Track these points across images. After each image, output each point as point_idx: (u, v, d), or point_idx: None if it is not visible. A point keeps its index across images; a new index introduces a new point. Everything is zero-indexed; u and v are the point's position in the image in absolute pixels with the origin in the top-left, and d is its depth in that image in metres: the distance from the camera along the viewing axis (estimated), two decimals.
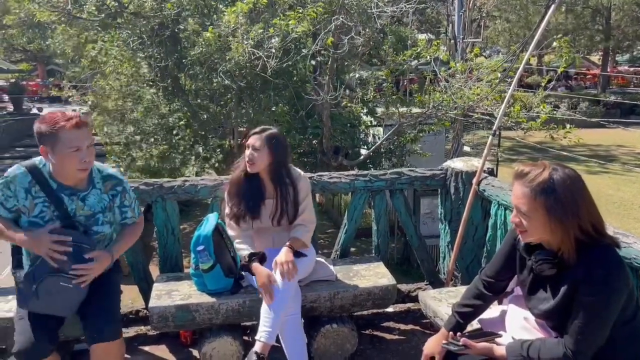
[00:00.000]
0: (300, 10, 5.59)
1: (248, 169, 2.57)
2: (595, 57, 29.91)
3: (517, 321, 1.88)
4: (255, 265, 2.50)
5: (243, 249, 2.58)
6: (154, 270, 3.11)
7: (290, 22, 5.48)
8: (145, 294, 3.02)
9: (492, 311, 2.07)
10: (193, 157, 6.76)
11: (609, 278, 1.57)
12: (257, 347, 2.32)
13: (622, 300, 1.60)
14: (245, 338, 2.80)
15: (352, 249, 3.53)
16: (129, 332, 2.96)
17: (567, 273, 1.65)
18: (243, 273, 2.74)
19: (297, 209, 2.64)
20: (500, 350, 1.77)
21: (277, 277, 2.46)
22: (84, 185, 2.14)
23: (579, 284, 1.60)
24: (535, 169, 1.65)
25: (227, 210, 2.65)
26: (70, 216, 2.10)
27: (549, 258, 1.67)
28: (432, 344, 1.99)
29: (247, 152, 2.56)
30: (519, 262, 1.86)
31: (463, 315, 1.97)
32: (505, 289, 1.99)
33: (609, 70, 26.12)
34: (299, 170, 2.73)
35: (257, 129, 2.62)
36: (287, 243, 2.57)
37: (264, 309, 2.41)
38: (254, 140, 2.56)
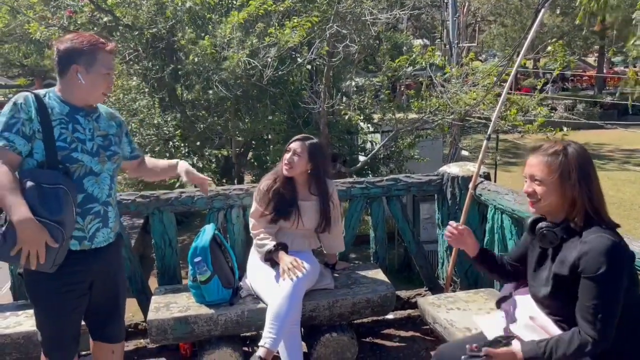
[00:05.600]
0: (295, 20, 5.61)
1: (285, 172, 2.67)
2: (591, 59, 29.99)
3: (522, 320, 1.85)
4: (282, 253, 2.61)
5: (266, 242, 2.65)
6: (153, 282, 3.10)
7: (286, 32, 5.50)
8: (144, 306, 3.01)
9: (492, 317, 2.05)
10: None
11: (611, 251, 1.57)
12: (261, 352, 2.31)
13: (626, 275, 1.58)
14: (245, 349, 2.79)
15: (351, 256, 3.52)
16: (129, 345, 2.95)
17: (570, 247, 1.66)
18: (241, 283, 2.74)
19: (327, 218, 2.78)
20: (521, 354, 1.72)
21: (286, 284, 2.47)
22: (92, 108, 2.05)
23: (581, 257, 1.60)
24: (550, 142, 1.77)
25: (254, 207, 2.74)
26: (88, 139, 1.97)
27: (551, 227, 1.72)
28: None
29: (287, 155, 2.67)
30: (531, 245, 1.89)
31: (487, 253, 2.12)
32: (519, 279, 2.00)
33: (604, 71, 26.17)
34: (333, 183, 2.86)
35: (300, 137, 2.75)
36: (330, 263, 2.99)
37: (270, 315, 2.40)
38: (296, 146, 2.68)
